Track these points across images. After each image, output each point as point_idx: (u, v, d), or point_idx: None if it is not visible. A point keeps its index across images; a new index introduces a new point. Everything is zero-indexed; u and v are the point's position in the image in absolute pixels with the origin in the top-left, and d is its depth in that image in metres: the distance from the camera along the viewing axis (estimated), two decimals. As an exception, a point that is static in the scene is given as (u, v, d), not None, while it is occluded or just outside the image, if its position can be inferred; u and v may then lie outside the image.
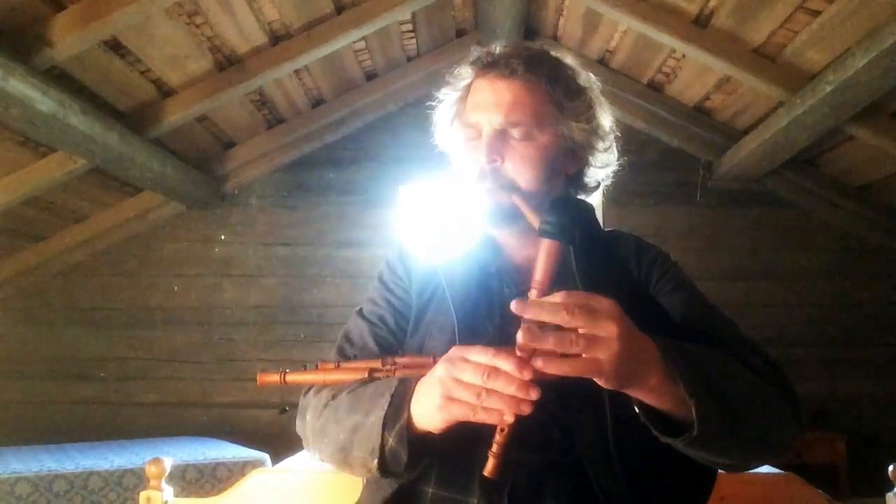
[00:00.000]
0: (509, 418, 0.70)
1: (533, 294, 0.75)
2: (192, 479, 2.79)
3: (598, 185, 1.06)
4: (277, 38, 3.11)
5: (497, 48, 0.99)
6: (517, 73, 0.94)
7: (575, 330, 0.68)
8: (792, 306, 3.93)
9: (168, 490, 1.42)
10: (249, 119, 3.72)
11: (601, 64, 3.76)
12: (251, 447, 3.20)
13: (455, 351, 0.75)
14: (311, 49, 3.13)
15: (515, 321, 0.77)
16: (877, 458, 2.04)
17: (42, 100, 2.37)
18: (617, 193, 3.96)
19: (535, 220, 0.84)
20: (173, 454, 2.84)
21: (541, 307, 0.69)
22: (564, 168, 0.99)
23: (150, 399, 3.89)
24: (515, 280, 0.97)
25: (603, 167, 1.04)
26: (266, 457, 3.02)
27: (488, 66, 0.97)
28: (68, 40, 2.39)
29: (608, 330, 0.68)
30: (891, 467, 1.43)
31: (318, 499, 1.44)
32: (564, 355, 0.68)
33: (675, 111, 3.83)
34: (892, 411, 3.79)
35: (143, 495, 1.40)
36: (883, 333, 3.90)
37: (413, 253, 1.06)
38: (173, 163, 3.38)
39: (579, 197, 1.05)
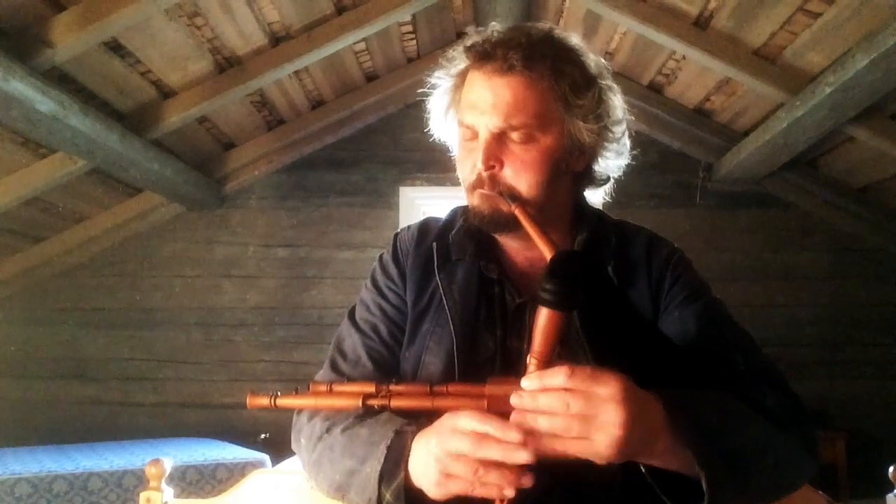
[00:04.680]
0: (510, 493, 0.67)
1: (532, 365, 0.70)
2: (193, 479, 2.79)
3: (609, 178, 0.98)
4: (277, 40, 3.11)
5: (494, 34, 0.89)
6: (515, 68, 0.84)
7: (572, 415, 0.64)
8: (792, 307, 3.92)
9: (168, 491, 1.42)
10: (249, 120, 3.71)
11: (601, 65, 3.76)
12: (251, 448, 3.20)
13: (448, 419, 0.71)
14: (311, 50, 3.13)
15: (518, 333, 0.73)
16: (877, 459, 2.03)
17: (42, 100, 2.37)
18: (617, 195, 3.91)
19: (533, 230, 0.79)
20: (173, 455, 2.84)
21: (536, 400, 0.66)
22: (571, 166, 0.91)
23: (151, 400, 3.89)
24: (518, 286, 0.91)
25: (616, 157, 0.95)
26: (266, 458, 3.02)
27: (484, 58, 0.87)
28: (69, 41, 2.39)
29: (610, 415, 0.64)
30: (891, 468, 1.42)
31: (318, 501, 1.44)
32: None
33: (676, 113, 3.82)
34: (892, 411, 3.79)
35: (142, 496, 1.39)
36: (883, 334, 3.89)
37: (408, 253, 0.98)
38: (173, 164, 3.38)
39: (595, 211, 1.00)
